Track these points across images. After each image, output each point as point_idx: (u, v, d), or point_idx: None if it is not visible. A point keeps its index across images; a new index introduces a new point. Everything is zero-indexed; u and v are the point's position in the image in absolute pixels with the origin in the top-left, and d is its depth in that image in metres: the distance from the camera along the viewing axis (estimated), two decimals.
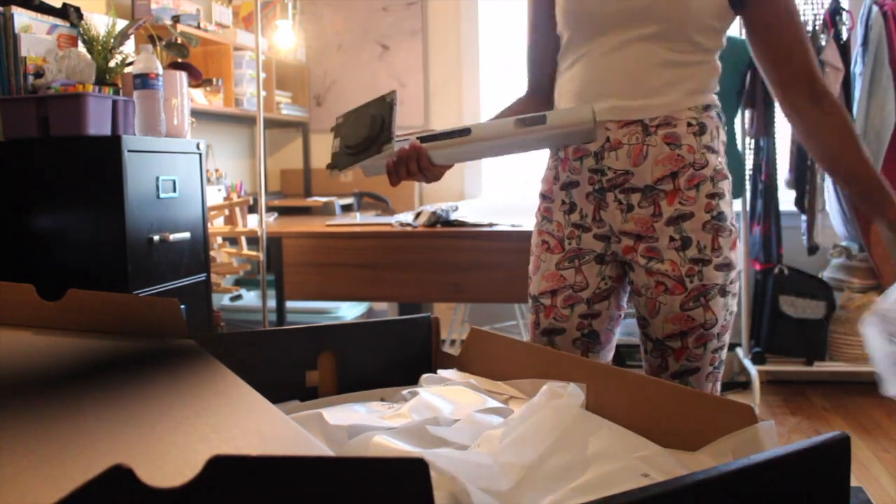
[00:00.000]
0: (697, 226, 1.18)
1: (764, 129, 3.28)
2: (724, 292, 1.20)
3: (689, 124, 1.19)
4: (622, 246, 1.23)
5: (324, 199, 3.67)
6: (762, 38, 1.21)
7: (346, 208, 3.74)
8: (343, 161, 1.09)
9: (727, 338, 1.24)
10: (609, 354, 1.33)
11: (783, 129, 3.35)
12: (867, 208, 1.18)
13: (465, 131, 1.06)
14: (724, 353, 1.24)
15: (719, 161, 1.22)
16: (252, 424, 0.61)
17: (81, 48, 2.06)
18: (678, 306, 1.19)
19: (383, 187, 3.80)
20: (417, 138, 1.09)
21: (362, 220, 3.05)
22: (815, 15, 3.22)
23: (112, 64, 2.04)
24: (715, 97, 1.24)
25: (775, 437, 0.69)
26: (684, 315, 1.19)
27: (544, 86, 1.34)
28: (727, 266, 1.20)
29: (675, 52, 1.17)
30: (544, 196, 1.33)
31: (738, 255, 1.23)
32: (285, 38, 3.71)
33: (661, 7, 1.15)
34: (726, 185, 1.22)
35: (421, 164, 1.09)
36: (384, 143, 1.06)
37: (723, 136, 1.24)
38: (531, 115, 1.08)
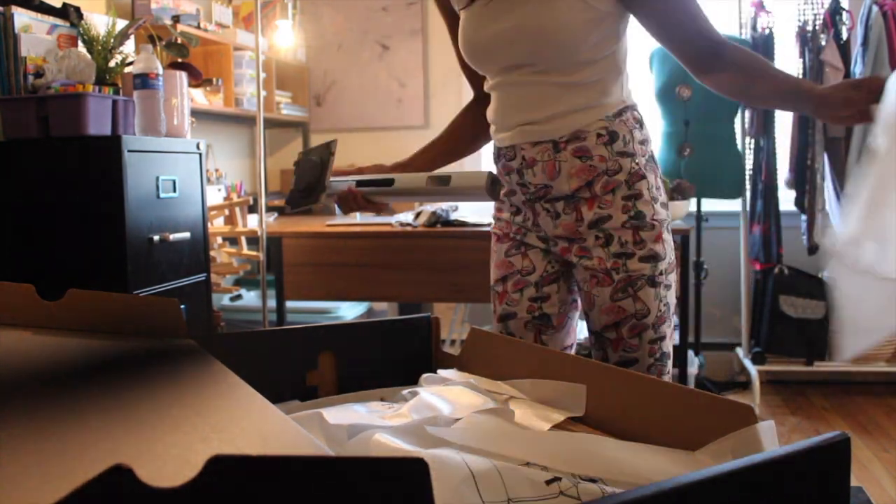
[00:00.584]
0: (617, 225, 1.25)
1: (764, 129, 3.28)
2: (653, 283, 1.25)
3: (599, 135, 1.24)
4: (559, 247, 1.32)
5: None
6: (654, 26, 1.23)
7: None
8: (295, 202, 1.33)
9: (667, 330, 1.28)
10: (566, 339, 1.39)
11: (783, 129, 3.35)
12: (810, 112, 1.21)
13: (389, 181, 1.27)
14: (665, 345, 1.28)
15: (635, 163, 1.26)
16: (252, 424, 0.61)
17: (81, 48, 2.06)
18: (608, 297, 1.26)
19: None
20: (356, 181, 1.29)
21: (362, 220, 3.06)
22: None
23: (112, 64, 2.04)
24: (625, 97, 1.28)
25: (775, 436, 0.69)
26: (615, 306, 1.26)
27: (485, 92, 1.39)
28: (653, 258, 1.25)
29: (569, 75, 1.23)
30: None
31: (668, 247, 1.28)
32: (285, 38, 3.71)
33: (537, 52, 1.22)
34: (645, 184, 1.27)
35: (359, 203, 1.29)
36: (320, 192, 1.29)
37: (639, 136, 1.28)
38: (439, 175, 1.24)
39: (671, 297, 1.29)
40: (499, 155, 1.34)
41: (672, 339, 1.30)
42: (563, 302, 1.35)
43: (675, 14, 1.20)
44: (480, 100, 1.41)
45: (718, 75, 1.23)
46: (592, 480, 0.70)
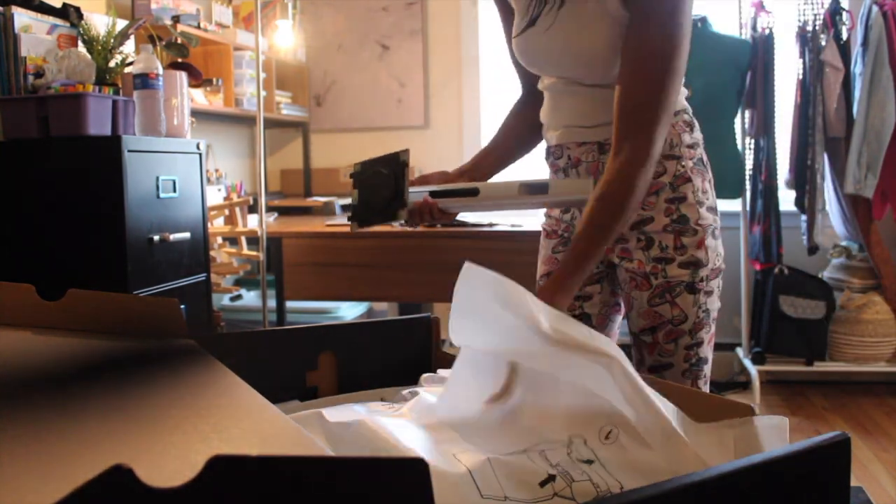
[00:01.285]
0: (658, 228, 1.23)
1: (764, 129, 3.28)
2: (692, 289, 1.23)
3: None
4: None
5: (324, 199, 3.67)
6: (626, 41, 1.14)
7: (347, 208, 3.74)
8: (365, 219, 1.21)
9: (705, 336, 1.25)
10: None
11: (783, 129, 3.35)
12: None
13: (473, 191, 1.18)
14: (702, 351, 1.25)
15: (681, 165, 1.24)
16: (252, 424, 0.61)
17: (81, 48, 2.06)
18: (646, 301, 1.24)
19: None
20: (430, 193, 1.21)
21: None
22: (815, 15, 3.22)
23: (112, 64, 2.04)
24: (678, 100, 1.26)
25: (786, 434, 0.69)
26: (652, 311, 1.24)
27: (536, 89, 1.36)
28: (693, 264, 1.23)
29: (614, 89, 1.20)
30: None
31: (711, 253, 1.24)
32: (285, 38, 3.71)
33: (582, 71, 1.21)
34: (690, 187, 1.24)
35: (434, 215, 1.22)
36: (399, 207, 1.17)
37: (688, 139, 1.26)
38: (536, 182, 1.18)
39: (712, 303, 1.25)
40: (548, 153, 1.34)
41: (712, 343, 1.27)
42: (605, 303, 1.34)
43: (645, 45, 1.11)
44: (529, 98, 1.40)
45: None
46: (589, 461, 0.70)
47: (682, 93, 1.28)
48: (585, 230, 1.08)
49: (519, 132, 1.41)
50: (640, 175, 1.08)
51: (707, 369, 1.27)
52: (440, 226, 2.74)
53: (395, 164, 1.19)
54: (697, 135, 1.29)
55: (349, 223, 1.23)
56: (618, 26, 1.14)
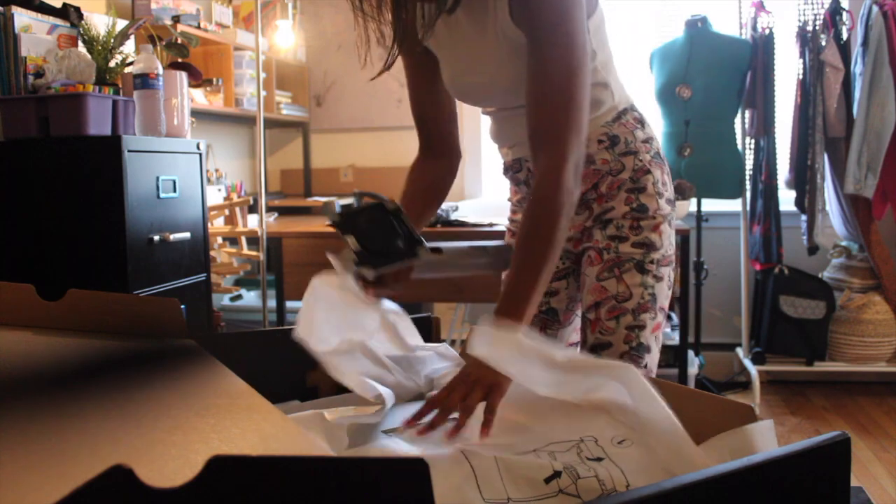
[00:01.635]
0: (618, 214, 1.26)
1: (764, 129, 3.28)
2: (641, 268, 1.23)
3: (600, 140, 1.25)
4: (571, 243, 1.33)
5: (324, 199, 3.67)
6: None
7: (348, 259, 3.73)
8: (377, 263, 1.04)
9: (648, 320, 1.23)
10: (572, 336, 1.39)
11: (783, 129, 3.35)
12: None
13: (438, 250, 1.05)
14: (644, 336, 1.23)
15: (639, 160, 1.26)
16: (252, 424, 0.61)
17: (81, 48, 2.06)
18: (595, 276, 1.25)
19: (383, 187, 3.79)
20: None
21: None
22: (815, 15, 3.22)
23: (112, 64, 2.04)
24: (619, 101, 1.26)
25: (774, 435, 0.70)
26: (599, 285, 1.24)
27: (435, 143, 1.33)
28: (647, 245, 1.24)
29: None
30: (512, 202, 1.44)
31: (665, 240, 1.26)
32: (285, 38, 3.71)
33: (516, 99, 1.19)
34: (650, 179, 1.26)
35: (403, 276, 1.09)
36: (418, 245, 1.03)
37: (641, 135, 1.27)
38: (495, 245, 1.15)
39: (660, 289, 1.25)
40: (506, 169, 1.35)
41: (657, 333, 1.25)
42: (572, 299, 1.36)
43: (547, 59, 1.08)
44: (429, 155, 1.34)
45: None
46: (598, 459, 0.71)
47: (627, 92, 1.29)
48: (524, 243, 1.04)
49: (429, 196, 1.33)
50: (563, 176, 1.05)
51: (649, 360, 1.24)
52: (440, 225, 2.73)
53: (386, 212, 1.07)
54: (650, 130, 1.31)
55: (361, 269, 1.04)
56: (524, 49, 1.12)
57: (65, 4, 2.11)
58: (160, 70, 2.05)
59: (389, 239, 1.04)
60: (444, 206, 2.81)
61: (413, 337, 1.01)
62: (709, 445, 0.72)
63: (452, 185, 1.36)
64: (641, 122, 1.30)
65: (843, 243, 3.39)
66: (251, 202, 3.04)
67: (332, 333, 0.90)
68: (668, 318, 3.48)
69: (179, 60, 2.39)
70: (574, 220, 1.28)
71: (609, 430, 0.76)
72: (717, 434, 0.73)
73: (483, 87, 1.23)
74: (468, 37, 1.19)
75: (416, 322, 1.09)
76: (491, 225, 2.73)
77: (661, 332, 1.26)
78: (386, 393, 0.88)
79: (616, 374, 0.75)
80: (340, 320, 0.93)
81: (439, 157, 1.34)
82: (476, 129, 3.90)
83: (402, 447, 0.77)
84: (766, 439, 0.69)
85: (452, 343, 3.51)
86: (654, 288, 1.24)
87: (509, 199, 1.45)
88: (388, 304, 1.03)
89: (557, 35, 1.08)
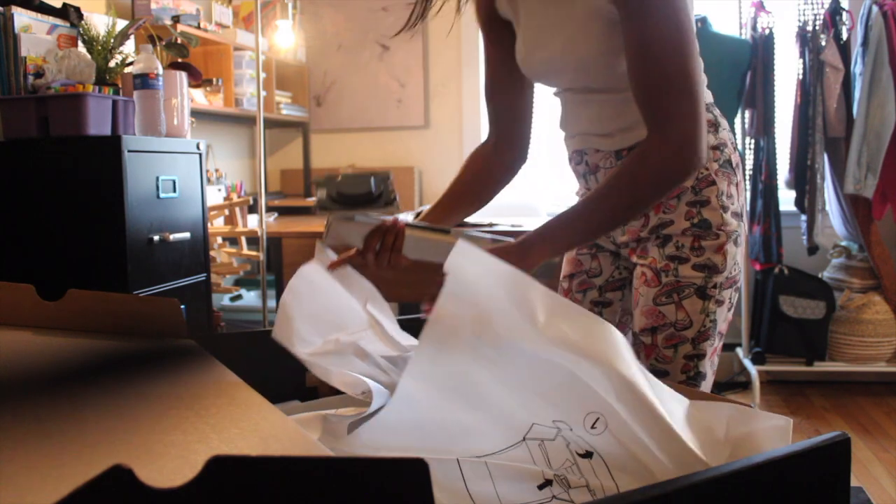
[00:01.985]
0: (677, 230, 1.17)
1: (764, 129, 3.28)
2: (703, 294, 1.15)
3: None
4: (628, 250, 1.25)
5: None
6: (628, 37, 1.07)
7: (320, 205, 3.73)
8: (332, 205, 1.03)
9: (708, 348, 1.17)
10: None
11: (783, 129, 3.35)
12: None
13: (445, 231, 1.06)
14: (703, 366, 1.17)
15: (705, 168, 1.17)
16: (252, 424, 0.61)
17: (81, 48, 2.06)
18: (652, 299, 1.16)
19: None
20: (406, 224, 1.09)
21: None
22: (815, 15, 3.22)
23: (112, 64, 2.04)
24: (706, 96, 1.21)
25: (789, 436, 0.69)
26: (656, 309, 1.16)
27: (506, 132, 1.29)
28: (708, 268, 1.16)
29: (625, 91, 1.12)
30: (578, 195, 1.36)
31: (730, 260, 1.17)
32: (285, 38, 3.71)
33: (586, 78, 1.16)
34: (714, 191, 1.17)
35: (395, 242, 1.08)
36: (388, 203, 1.01)
37: (713, 140, 1.19)
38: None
39: (721, 314, 1.17)
40: (570, 158, 1.29)
41: (714, 358, 1.18)
42: (626, 311, 1.30)
43: (654, 28, 1.03)
44: (499, 142, 1.31)
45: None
46: (588, 454, 0.70)
47: (707, 93, 1.20)
48: (590, 199, 1.02)
49: (484, 182, 1.30)
50: (661, 155, 1.01)
51: (704, 386, 1.18)
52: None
53: (369, 177, 1.08)
54: (724, 135, 1.20)
55: (331, 214, 1.08)
56: (611, 25, 1.08)
57: (65, 4, 2.11)
58: (160, 70, 2.05)
59: (363, 187, 1.03)
60: None
61: (402, 336, 0.99)
62: (711, 408, 0.71)
63: (506, 184, 1.30)
64: (715, 125, 1.20)
65: (843, 243, 3.39)
66: (251, 202, 3.04)
67: (313, 333, 0.88)
68: None
69: (179, 60, 2.39)
70: (629, 224, 1.21)
71: (580, 408, 0.70)
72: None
73: (553, 64, 1.17)
74: (546, 4, 1.15)
75: (412, 322, 1.09)
76: (491, 225, 2.72)
77: (717, 355, 1.20)
78: (375, 388, 0.85)
79: (599, 371, 0.70)
80: (322, 319, 0.90)
81: (501, 148, 1.29)
82: (476, 129, 3.90)
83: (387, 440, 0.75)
84: (777, 437, 0.69)
85: None
86: (715, 314, 1.16)
87: (576, 193, 1.36)
88: (374, 302, 0.99)
89: (664, 9, 1.03)
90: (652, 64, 1.03)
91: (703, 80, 1.10)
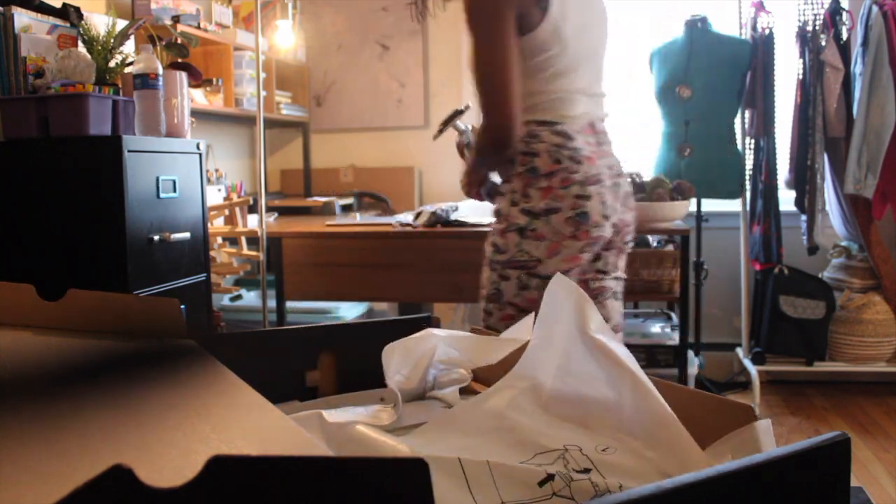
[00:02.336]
0: (493, 214, 1.61)
1: (764, 129, 3.28)
2: (490, 265, 1.57)
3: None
4: None
5: (324, 199, 3.67)
6: None
7: (346, 208, 3.74)
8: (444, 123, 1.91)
9: (495, 310, 1.55)
10: None
11: (783, 129, 3.35)
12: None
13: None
14: (492, 321, 1.54)
15: (512, 170, 1.57)
16: (252, 424, 0.61)
17: (81, 48, 2.06)
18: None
19: (384, 187, 3.80)
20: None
21: (362, 220, 3.05)
22: (815, 15, 3.22)
23: (112, 64, 2.04)
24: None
25: (772, 436, 0.70)
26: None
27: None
28: (495, 245, 1.56)
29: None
30: None
31: (513, 248, 1.51)
32: (285, 38, 3.71)
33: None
34: (509, 188, 1.55)
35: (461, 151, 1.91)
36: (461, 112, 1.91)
37: (523, 147, 1.54)
38: None
39: (507, 287, 1.52)
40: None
41: (509, 323, 1.37)
42: None
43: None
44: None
45: None
46: (586, 471, 0.70)
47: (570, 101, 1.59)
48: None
49: None
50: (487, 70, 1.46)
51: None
52: (440, 225, 2.74)
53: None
54: (539, 147, 1.51)
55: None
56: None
57: (65, 4, 2.11)
58: (160, 70, 2.05)
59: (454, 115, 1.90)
60: (444, 206, 2.81)
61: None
62: (710, 452, 0.72)
63: None
64: (535, 136, 1.52)
65: (843, 243, 3.39)
66: (251, 202, 3.04)
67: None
68: (668, 318, 3.48)
69: (179, 60, 2.38)
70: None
71: (591, 440, 0.75)
72: (716, 435, 0.73)
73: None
74: None
75: (415, 322, 1.09)
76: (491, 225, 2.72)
77: (511, 322, 1.33)
78: (395, 392, 0.89)
79: (620, 375, 0.74)
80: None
81: None
82: None
83: (397, 447, 0.77)
84: (766, 439, 0.69)
85: None
86: (499, 285, 1.53)
87: None
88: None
89: (481, 32, 1.48)
90: (473, 72, 1.46)
91: (517, 85, 1.46)
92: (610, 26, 1.70)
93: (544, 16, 1.47)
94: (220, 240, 2.77)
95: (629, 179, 1.75)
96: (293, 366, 1.00)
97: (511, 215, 1.49)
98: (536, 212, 1.48)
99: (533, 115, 1.52)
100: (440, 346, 0.92)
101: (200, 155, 2.21)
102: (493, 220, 1.59)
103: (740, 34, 3.30)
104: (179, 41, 2.49)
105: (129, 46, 2.19)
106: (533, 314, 0.84)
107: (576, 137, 1.53)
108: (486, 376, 0.98)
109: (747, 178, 3.40)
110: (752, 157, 3.39)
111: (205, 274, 2.23)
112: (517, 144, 1.50)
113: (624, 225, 1.65)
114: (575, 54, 1.54)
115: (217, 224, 2.90)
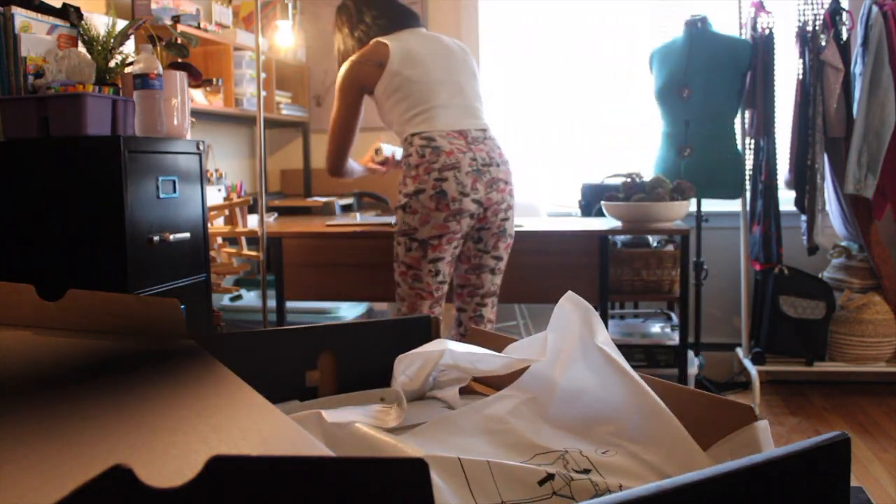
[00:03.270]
0: None
1: (764, 129, 3.28)
2: (393, 235, 2.21)
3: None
4: None
5: (324, 199, 3.67)
6: None
7: (346, 208, 3.74)
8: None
9: (395, 266, 2.21)
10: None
11: (783, 129, 3.35)
12: None
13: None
14: (396, 276, 2.21)
15: (404, 170, 2.21)
16: (252, 424, 0.61)
17: (81, 48, 2.06)
18: None
19: (383, 187, 3.80)
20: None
21: (362, 220, 3.05)
22: (815, 15, 3.22)
23: (112, 64, 2.04)
24: (404, 131, 2.29)
25: (769, 436, 0.70)
26: None
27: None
28: (394, 221, 2.21)
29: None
30: None
31: (399, 220, 2.16)
32: (285, 38, 3.71)
33: None
34: (401, 176, 2.19)
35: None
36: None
37: (409, 150, 2.21)
38: None
39: (398, 251, 2.17)
40: None
41: (403, 279, 2.16)
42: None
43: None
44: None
45: None
46: (586, 471, 0.70)
47: (407, 125, 2.20)
48: None
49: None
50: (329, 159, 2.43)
51: (400, 292, 2.17)
52: None
53: None
54: (411, 149, 2.16)
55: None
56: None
57: (65, 4, 2.11)
58: (160, 70, 2.05)
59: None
60: None
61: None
62: (709, 453, 0.72)
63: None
64: (409, 143, 2.18)
65: (843, 243, 3.39)
66: (251, 202, 3.04)
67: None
68: (668, 318, 3.48)
69: (179, 60, 2.38)
70: None
71: (591, 445, 0.75)
72: (716, 435, 0.73)
73: None
74: None
75: (415, 322, 1.09)
76: None
77: (403, 279, 2.16)
78: (400, 393, 0.90)
79: (623, 383, 0.75)
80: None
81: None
82: None
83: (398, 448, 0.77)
84: (764, 440, 0.69)
85: None
86: (395, 248, 2.19)
87: None
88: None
89: (336, 103, 2.41)
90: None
91: (344, 140, 2.41)
92: (462, 55, 2.32)
93: (382, 71, 2.19)
94: (220, 240, 2.77)
95: (505, 169, 2.23)
96: (293, 366, 1.00)
97: (399, 198, 2.11)
98: (410, 193, 2.10)
99: (410, 129, 2.16)
100: (448, 354, 0.92)
101: (200, 155, 2.21)
102: None
103: (740, 34, 3.30)
104: (179, 41, 2.49)
105: (129, 46, 2.19)
106: (547, 332, 0.88)
107: (437, 139, 2.11)
108: (485, 376, 0.98)
109: (747, 178, 3.40)
110: (752, 157, 3.39)
111: (205, 274, 2.23)
112: (348, 168, 2.44)
113: (491, 203, 2.17)
114: (429, 81, 2.17)
115: (217, 224, 2.90)
